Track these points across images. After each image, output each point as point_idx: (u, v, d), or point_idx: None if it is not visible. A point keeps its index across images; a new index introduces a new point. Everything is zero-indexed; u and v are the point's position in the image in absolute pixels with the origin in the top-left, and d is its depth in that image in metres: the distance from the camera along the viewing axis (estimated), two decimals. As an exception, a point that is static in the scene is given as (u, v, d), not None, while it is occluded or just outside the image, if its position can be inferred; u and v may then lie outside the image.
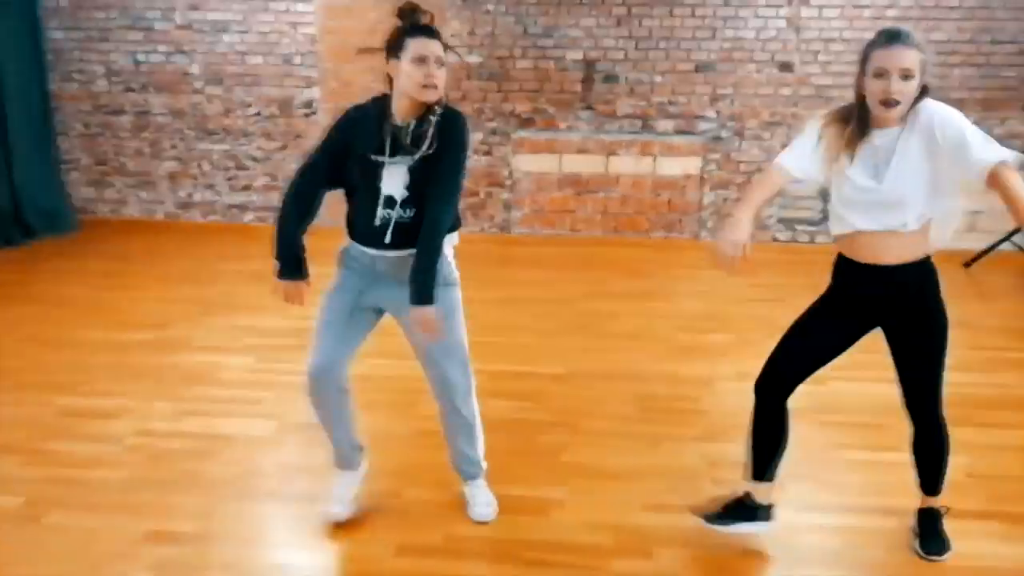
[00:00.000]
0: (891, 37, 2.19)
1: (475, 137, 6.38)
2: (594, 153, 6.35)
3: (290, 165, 6.54)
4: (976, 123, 5.83)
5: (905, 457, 3.18)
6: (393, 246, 2.44)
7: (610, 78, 6.22)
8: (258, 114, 6.56)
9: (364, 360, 2.79)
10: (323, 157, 2.48)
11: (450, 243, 2.54)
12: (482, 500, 2.81)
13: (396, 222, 2.41)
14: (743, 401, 2.90)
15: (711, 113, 6.24)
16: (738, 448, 3.18)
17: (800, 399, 3.62)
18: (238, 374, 3.91)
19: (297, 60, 6.45)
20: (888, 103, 2.19)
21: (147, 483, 2.96)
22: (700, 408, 3.60)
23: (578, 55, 6.21)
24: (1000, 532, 2.73)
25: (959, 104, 6.40)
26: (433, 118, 2.37)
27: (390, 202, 2.40)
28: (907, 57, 2.16)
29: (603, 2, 6.11)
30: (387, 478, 3.01)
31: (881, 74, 2.18)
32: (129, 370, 3.91)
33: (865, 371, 3.99)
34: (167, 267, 5.64)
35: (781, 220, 6.35)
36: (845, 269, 2.44)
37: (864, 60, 2.24)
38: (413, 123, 2.37)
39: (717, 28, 6.08)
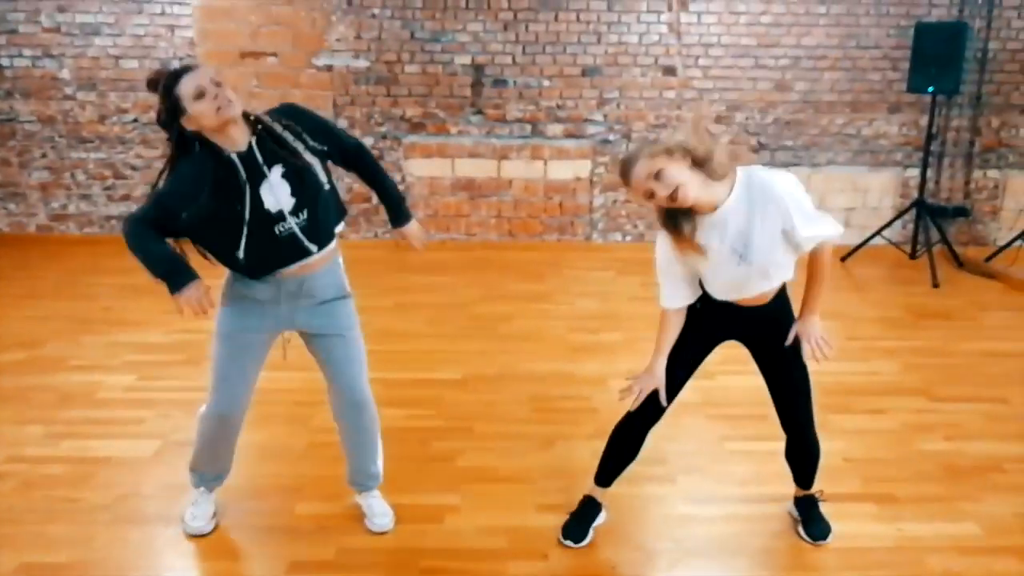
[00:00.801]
0: (622, 174, 2.20)
1: (366, 142, 6.28)
2: (486, 157, 6.37)
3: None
4: (845, 124, 6.14)
5: (782, 446, 3.33)
6: (304, 254, 2.41)
7: (499, 82, 6.26)
8: (135, 120, 6.28)
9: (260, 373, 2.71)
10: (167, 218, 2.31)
11: (338, 253, 2.57)
12: (379, 511, 2.77)
13: (296, 231, 2.37)
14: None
15: (599, 117, 6.36)
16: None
17: (691, 394, 3.73)
18: (117, 393, 3.72)
19: (175, 64, 6.20)
20: (673, 200, 2.14)
21: (18, 512, 2.77)
22: (592, 407, 3.65)
23: (466, 59, 6.22)
24: (874, 513, 2.88)
25: (830, 106, 6.68)
26: (262, 127, 2.33)
27: (281, 216, 2.34)
28: (649, 172, 2.13)
29: (489, 7, 6.13)
30: (279, 494, 2.93)
31: (648, 196, 2.16)
32: (-4, 394, 3.67)
33: (750, 365, 4.16)
34: (38, 283, 5.33)
35: (670, 220, 6.52)
36: (706, 303, 2.46)
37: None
38: (254, 141, 2.31)
39: (602, 33, 6.20)
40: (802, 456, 2.69)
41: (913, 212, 6.14)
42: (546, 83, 6.26)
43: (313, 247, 2.42)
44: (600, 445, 3.28)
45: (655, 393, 2.49)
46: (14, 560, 2.52)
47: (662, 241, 2.33)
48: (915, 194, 6.19)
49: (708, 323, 2.50)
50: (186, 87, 2.22)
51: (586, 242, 6.49)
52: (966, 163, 6.56)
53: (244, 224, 2.32)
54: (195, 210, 2.28)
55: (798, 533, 2.77)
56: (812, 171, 6.47)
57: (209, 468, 2.73)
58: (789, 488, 3.00)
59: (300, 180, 2.35)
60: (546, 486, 3.00)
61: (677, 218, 2.23)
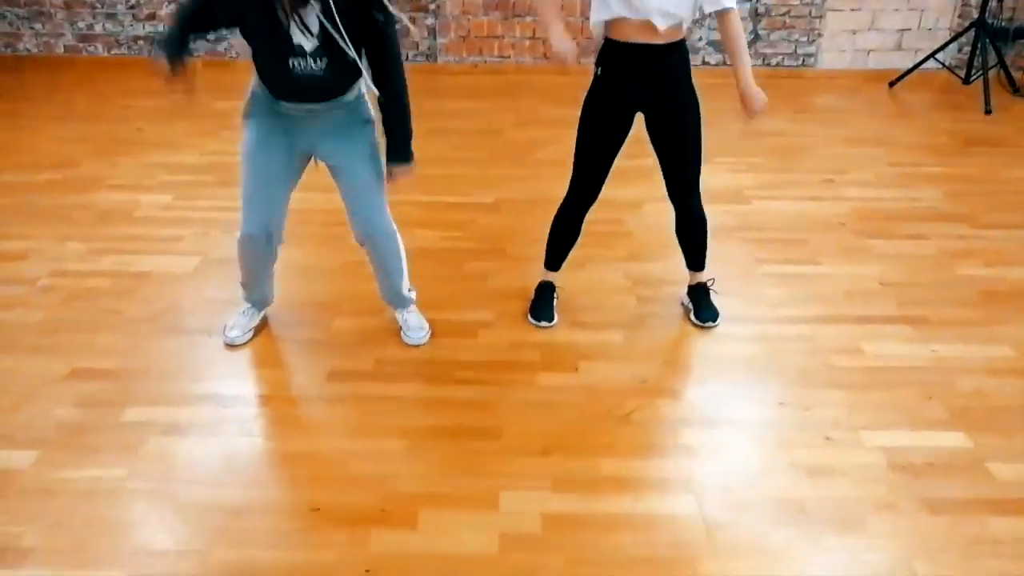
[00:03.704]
0: None
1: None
2: (520, -27, 6.03)
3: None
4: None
5: (819, 269, 3.32)
6: (310, 99, 2.35)
7: None
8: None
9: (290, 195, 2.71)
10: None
11: (361, 83, 2.46)
12: (414, 324, 2.83)
13: (309, 73, 2.26)
14: (666, 222, 2.94)
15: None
16: (663, 267, 3.28)
17: (727, 218, 3.71)
18: (155, 211, 3.76)
19: None
20: None
21: (64, 323, 2.88)
22: (626, 230, 3.63)
23: None
24: (908, 335, 2.89)
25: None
26: None
27: (300, 51, 2.23)
28: None
29: None
30: (315, 309, 3.01)
31: None
32: (36, 211, 3.72)
33: (785, 190, 4.09)
34: (71, 104, 5.29)
35: (711, 43, 6.22)
36: (609, 53, 2.57)
37: None
38: None
39: None
40: (691, 229, 2.85)
41: (971, 34, 5.77)
42: None
43: (325, 96, 2.35)
44: (633, 267, 3.32)
45: (588, 178, 2.73)
46: (66, 365, 2.64)
47: None
48: (975, 14, 5.79)
49: (613, 91, 2.59)
50: None
51: (623, 66, 6.22)
52: (1037, -20, 6.08)
53: (264, 39, 2.24)
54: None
55: (690, 320, 2.92)
56: (868, -11, 6.05)
57: (250, 291, 2.81)
58: (821, 310, 3.03)
59: (331, 33, 2.19)
60: (578, 304, 3.04)
61: None
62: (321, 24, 2.18)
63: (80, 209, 3.75)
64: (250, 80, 2.46)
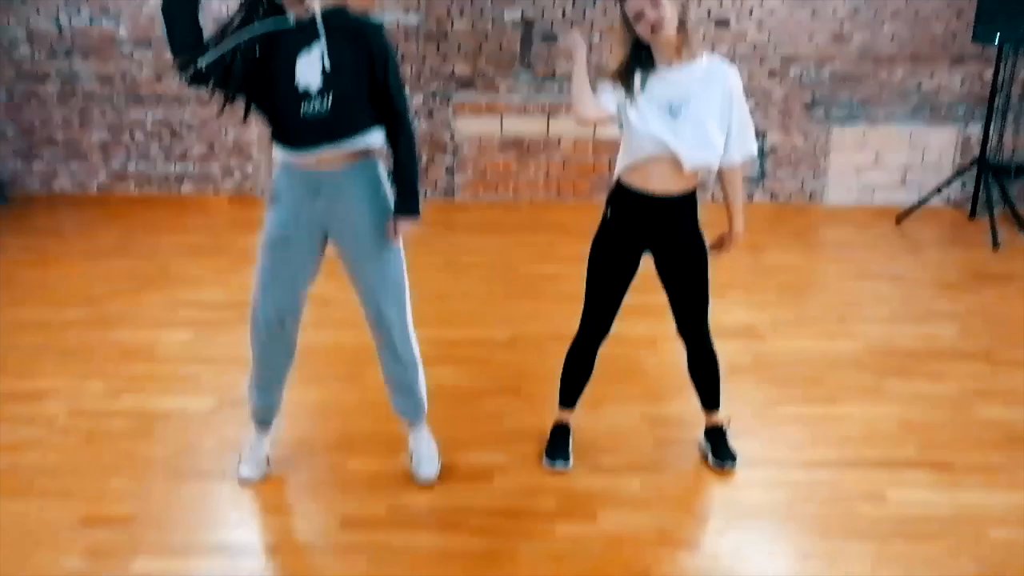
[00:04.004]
0: None
1: (416, 101, 6.27)
2: (535, 115, 6.30)
3: (228, 132, 6.37)
4: (905, 78, 5.97)
5: (838, 410, 3.29)
6: (323, 141, 2.42)
7: (548, 37, 6.16)
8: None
9: (308, 332, 2.77)
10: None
11: (377, 163, 2.56)
12: (426, 456, 2.81)
13: (315, 114, 2.37)
14: (681, 360, 2.95)
15: (651, 73, 6.22)
16: (680, 407, 3.26)
17: (742, 356, 3.71)
18: (175, 349, 3.82)
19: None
20: (654, 28, 2.42)
21: (80, 465, 2.88)
22: (642, 368, 3.64)
23: (516, 15, 6.12)
24: (930, 480, 2.83)
25: (889, 60, 6.46)
26: (336, 8, 2.36)
27: (307, 93, 2.35)
28: None
29: (540, -39, 6.02)
30: (331, 451, 2.99)
31: (638, 16, 2.43)
32: (60, 349, 3.79)
33: (799, 327, 4.11)
34: (100, 241, 5.46)
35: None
36: (622, 198, 2.67)
37: (623, 14, 2.48)
38: (318, 8, 2.33)
39: (655, -14, 6.03)
40: (705, 367, 2.87)
41: (974, 171, 5.92)
42: (596, 38, 6.14)
43: (333, 137, 2.41)
44: (651, 407, 3.30)
45: (600, 314, 2.79)
46: (77, 511, 2.62)
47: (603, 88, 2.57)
48: (976, 151, 5.96)
49: (622, 233, 2.69)
50: None
51: (636, 201, 6.39)
52: (1034, 119, 6.28)
53: (273, 89, 2.37)
54: (245, 60, 2.31)
55: (707, 461, 2.90)
56: (869, 127, 6.26)
57: (257, 394, 2.77)
58: (842, 453, 2.98)
59: (337, 68, 2.33)
60: (596, 447, 3.02)
61: (632, 70, 2.52)
62: (323, 63, 2.32)
63: (103, 347, 3.81)
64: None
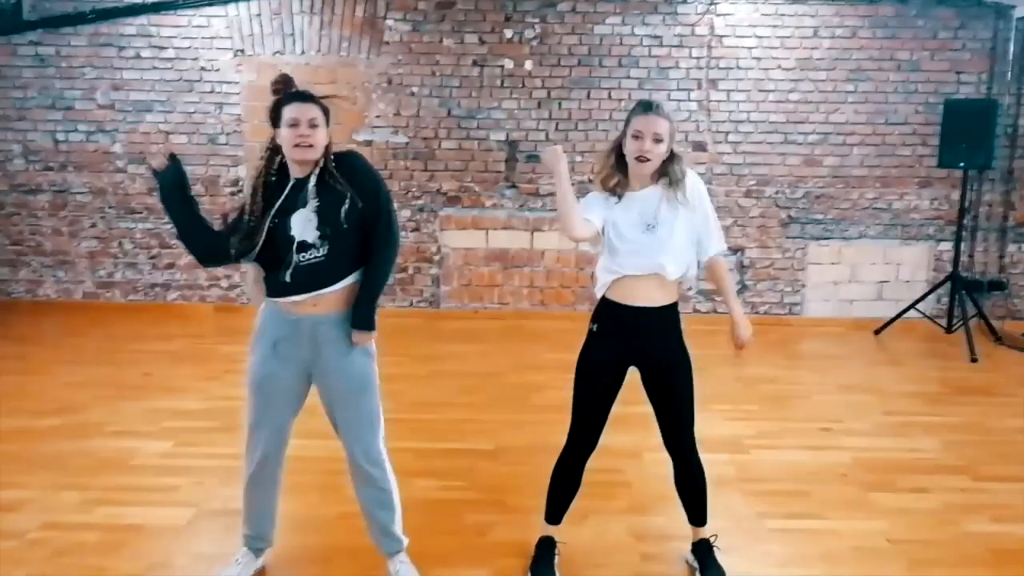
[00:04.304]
0: (647, 107, 2.60)
1: (403, 215, 6.43)
2: (519, 229, 6.46)
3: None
4: (876, 199, 6.25)
5: (824, 524, 3.26)
6: (315, 287, 2.51)
7: (532, 157, 6.39)
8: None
9: (290, 441, 2.74)
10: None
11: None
12: (406, 578, 2.75)
13: (310, 262, 2.49)
14: (665, 472, 2.94)
15: (632, 190, 6.43)
16: (665, 521, 3.22)
17: (726, 468, 3.70)
18: (153, 460, 3.76)
19: (222, 140, 6.44)
20: (641, 159, 2.57)
21: (50, 581, 2.79)
22: (626, 480, 3.61)
23: (501, 135, 6.37)
24: (919, 596, 2.79)
25: (860, 181, 6.73)
26: (325, 172, 2.51)
27: (303, 247, 2.48)
28: (659, 124, 2.56)
29: (523, 85, 6.31)
30: (312, 565, 2.92)
31: (637, 136, 2.57)
32: (35, 459, 3.72)
33: (783, 439, 4.11)
34: (82, 349, 5.45)
35: (701, 292, 6.52)
36: (608, 313, 2.72)
37: (626, 124, 2.62)
38: (314, 179, 2.50)
39: (635, 109, 6.32)
40: (691, 482, 2.85)
41: (947, 286, 6.08)
42: (578, 159, 6.38)
43: (326, 282, 2.51)
44: (636, 521, 3.26)
45: (587, 429, 2.79)
46: (46, 628, 2.52)
47: (591, 197, 2.70)
48: (949, 268, 6.14)
49: (608, 348, 2.72)
50: (287, 112, 2.47)
51: (618, 314, 6.48)
52: (1000, 237, 6.52)
53: (270, 240, 2.50)
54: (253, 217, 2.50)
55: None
56: (844, 244, 6.47)
57: (248, 524, 2.79)
58: (830, 570, 2.94)
59: (329, 219, 2.47)
60: (579, 561, 2.96)
61: (615, 187, 2.66)
62: (318, 213, 2.47)
63: (79, 456, 3.75)
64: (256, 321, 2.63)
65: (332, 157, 2.53)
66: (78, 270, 6.61)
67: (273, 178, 2.54)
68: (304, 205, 2.49)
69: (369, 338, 2.59)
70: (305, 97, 2.50)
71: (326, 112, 2.53)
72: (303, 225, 2.48)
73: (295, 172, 2.53)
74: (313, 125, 2.46)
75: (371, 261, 2.57)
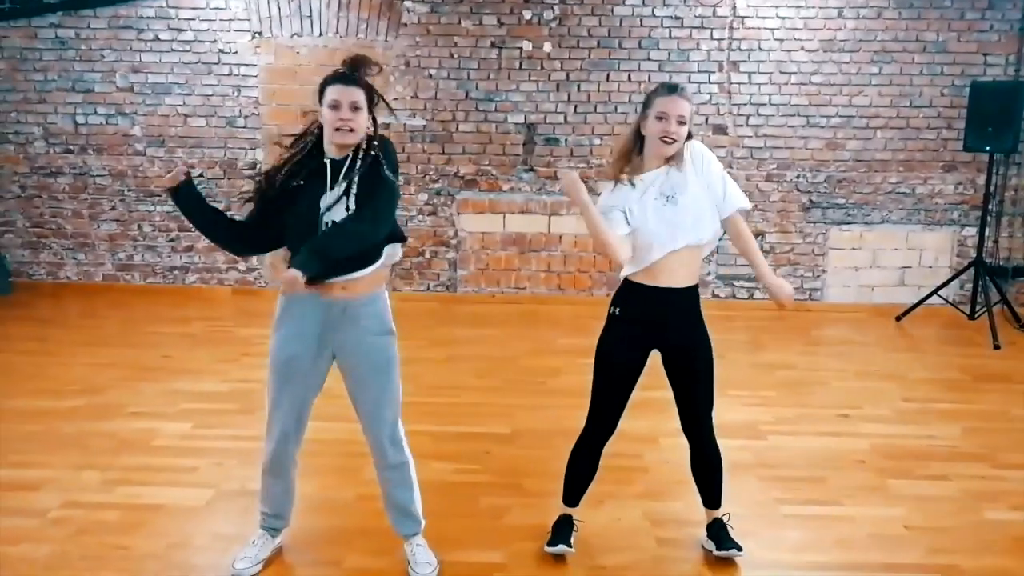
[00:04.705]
0: (671, 89, 2.62)
1: (420, 199, 6.43)
2: (536, 213, 6.44)
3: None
4: (899, 183, 6.18)
5: (841, 511, 3.25)
6: (339, 271, 2.50)
7: (551, 140, 6.35)
8: (201, 175, 6.51)
9: (308, 423, 2.75)
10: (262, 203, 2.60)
11: (393, 257, 2.64)
12: (422, 561, 2.75)
13: None
14: (682, 457, 2.93)
15: (650, 174, 6.38)
16: (682, 506, 3.21)
17: (743, 454, 3.68)
18: (173, 440, 3.79)
19: (240, 122, 6.45)
20: (666, 140, 2.58)
21: (70, 559, 2.82)
22: (643, 465, 3.60)
23: (519, 118, 6.34)
24: (937, 585, 2.77)
25: (883, 165, 6.64)
26: (362, 155, 2.50)
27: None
28: (683, 107, 2.57)
29: (542, 67, 6.27)
30: (328, 546, 2.94)
31: (661, 117, 2.58)
32: (57, 439, 3.76)
33: (801, 425, 4.09)
34: (102, 330, 5.50)
35: (719, 277, 6.48)
36: (630, 295, 2.72)
37: (647, 105, 2.63)
38: (348, 159, 2.50)
39: (654, 92, 6.26)
40: (708, 466, 2.85)
41: (971, 272, 6.01)
42: (597, 141, 6.34)
43: (355, 266, 2.51)
44: (652, 506, 3.25)
45: (607, 415, 2.80)
46: (68, 605, 2.56)
47: (607, 206, 2.67)
48: (972, 253, 6.06)
49: (630, 331, 2.71)
50: (329, 92, 2.47)
51: (636, 298, 6.46)
52: (1026, 222, 6.42)
53: (302, 219, 2.49)
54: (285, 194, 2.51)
55: (710, 552, 2.86)
56: (865, 228, 6.39)
57: (266, 504, 2.80)
58: (847, 556, 2.92)
59: (360, 203, 2.46)
60: (596, 546, 2.96)
61: (628, 171, 2.68)
62: (350, 195, 2.46)
63: (100, 437, 3.79)
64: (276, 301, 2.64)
65: (375, 141, 2.52)
66: (98, 252, 6.66)
67: (309, 156, 2.54)
68: (336, 187, 2.48)
69: (293, 280, 2.36)
70: (350, 79, 2.49)
71: (371, 94, 2.52)
72: (334, 207, 2.47)
73: (332, 152, 2.53)
74: (355, 108, 2.46)
75: (344, 219, 2.46)
